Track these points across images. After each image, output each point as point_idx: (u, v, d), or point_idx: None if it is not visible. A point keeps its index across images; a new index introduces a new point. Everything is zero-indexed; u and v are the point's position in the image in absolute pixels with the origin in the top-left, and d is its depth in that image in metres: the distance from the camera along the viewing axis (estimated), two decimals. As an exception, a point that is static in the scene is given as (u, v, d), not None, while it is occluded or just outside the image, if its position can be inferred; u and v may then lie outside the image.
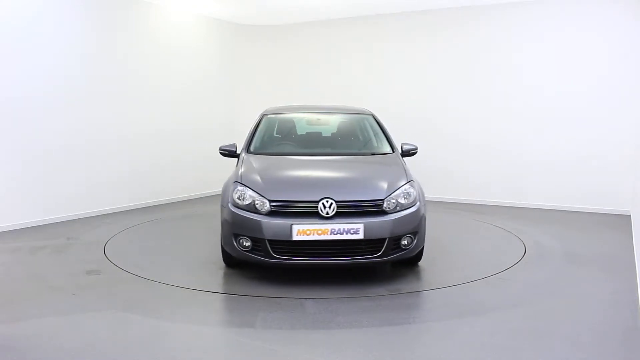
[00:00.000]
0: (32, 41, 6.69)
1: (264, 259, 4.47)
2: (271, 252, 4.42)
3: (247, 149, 5.55)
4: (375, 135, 5.84)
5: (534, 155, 8.31)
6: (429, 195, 8.97)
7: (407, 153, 5.61)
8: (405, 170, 5.03)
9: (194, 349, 3.41)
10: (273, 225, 4.39)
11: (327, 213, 4.42)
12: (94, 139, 7.52)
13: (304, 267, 4.73)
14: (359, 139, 5.95)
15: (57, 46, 6.99)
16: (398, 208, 4.58)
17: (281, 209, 4.48)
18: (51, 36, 6.92)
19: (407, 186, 4.74)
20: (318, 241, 4.36)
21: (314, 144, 5.90)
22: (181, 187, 9.01)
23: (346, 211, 4.47)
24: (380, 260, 4.53)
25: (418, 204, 4.72)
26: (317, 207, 4.43)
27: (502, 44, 8.48)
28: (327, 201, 4.44)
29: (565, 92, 8.06)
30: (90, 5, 7.40)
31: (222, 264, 5.12)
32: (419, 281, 4.87)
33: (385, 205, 4.54)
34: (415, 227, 4.64)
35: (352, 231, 4.35)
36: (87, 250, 5.71)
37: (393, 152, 5.52)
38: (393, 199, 4.59)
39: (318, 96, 9.48)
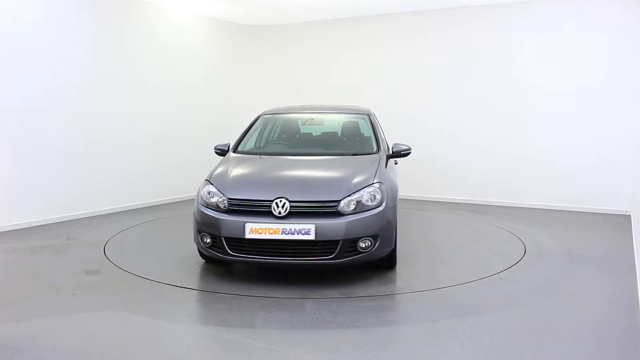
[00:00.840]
0: (32, 41, 6.69)
1: (221, 256, 4.58)
2: (227, 249, 4.50)
3: (235, 148, 5.71)
4: (364, 136, 5.78)
5: (534, 155, 8.31)
6: (429, 195, 9.04)
7: (397, 154, 5.55)
8: (377, 171, 4.89)
9: (193, 348, 3.41)
10: (228, 222, 4.47)
11: (280, 213, 4.41)
12: (94, 139, 7.52)
13: (259, 265, 4.81)
14: (346, 139, 5.92)
15: (57, 46, 6.99)
16: (358, 209, 4.49)
17: (237, 207, 4.56)
18: (51, 36, 6.92)
19: (373, 188, 4.63)
20: (270, 240, 4.36)
21: (300, 145, 5.95)
22: (181, 187, 9.00)
23: (300, 211, 4.44)
24: (334, 263, 4.43)
25: (383, 206, 4.59)
26: (270, 206, 4.46)
27: (502, 44, 8.48)
28: (280, 201, 4.46)
29: (566, 92, 8.06)
30: (90, 6, 7.40)
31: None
32: (419, 281, 4.86)
33: (341, 206, 4.46)
34: (377, 230, 4.50)
35: (303, 232, 4.31)
36: (87, 250, 5.71)
37: (377, 152, 5.42)
38: (353, 200, 4.51)
39: (318, 96, 9.48)
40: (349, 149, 5.63)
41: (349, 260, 4.47)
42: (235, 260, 4.55)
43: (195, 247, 5.86)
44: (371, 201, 4.57)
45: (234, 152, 5.66)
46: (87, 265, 5.17)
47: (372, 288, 4.57)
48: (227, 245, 4.50)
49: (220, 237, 4.51)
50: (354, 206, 4.49)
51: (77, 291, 4.44)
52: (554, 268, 5.20)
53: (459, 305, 4.16)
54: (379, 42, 9.39)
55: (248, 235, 4.37)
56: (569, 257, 5.55)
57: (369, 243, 4.49)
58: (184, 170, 8.98)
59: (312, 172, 5.05)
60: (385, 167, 5.24)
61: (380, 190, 4.66)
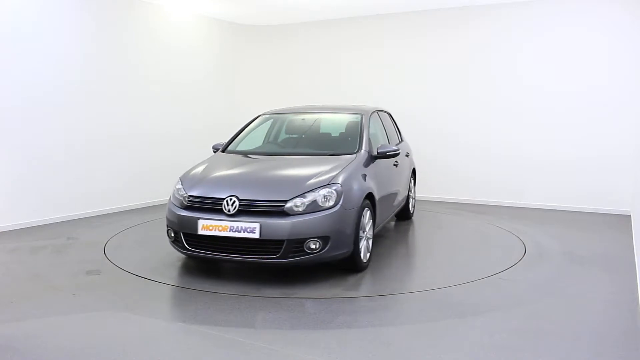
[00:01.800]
0: (32, 41, 6.69)
1: (181, 250, 4.83)
2: (185, 244, 4.73)
3: (225, 147, 5.93)
4: (350, 136, 5.74)
5: (534, 155, 8.31)
6: (429, 195, 9.03)
7: (383, 155, 5.49)
8: (343, 172, 4.83)
9: (193, 348, 3.41)
10: (185, 219, 4.70)
11: (229, 210, 4.52)
12: (94, 139, 7.52)
13: (211, 260, 5.01)
14: (332, 139, 5.92)
15: (57, 47, 6.99)
16: (310, 210, 4.46)
17: (194, 204, 4.77)
18: (51, 37, 6.92)
19: (329, 189, 4.58)
20: (219, 237, 4.51)
21: (289, 145, 6.02)
22: (181, 187, 8.99)
23: (248, 210, 4.51)
24: (279, 263, 4.45)
25: (337, 207, 4.53)
26: (222, 204, 4.57)
27: (502, 44, 8.48)
28: (230, 199, 4.56)
29: (566, 92, 8.06)
30: (90, 6, 7.40)
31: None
32: (419, 281, 4.87)
33: (288, 206, 4.46)
34: (327, 232, 4.45)
35: (248, 230, 4.40)
36: (87, 250, 5.71)
37: (355, 152, 5.34)
38: (306, 200, 4.49)
39: (318, 96, 9.50)
40: (330, 149, 5.59)
41: (295, 261, 4.48)
42: (191, 255, 4.80)
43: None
44: (326, 201, 4.54)
45: (222, 151, 5.88)
46: (87, 265, 5.17)
47: (372, 288, 4.57)
48: (184, 240, 4.73)
49: (179, 232, 4.74)
50: (304, 206, 4.47)
51: (77, 291, 4.44)
52: (554, 268, 5.20)
53: (459, 305, 4.16)
54: (379, 42, 9.39)
55: (201, 232, 4.56)
56: (569, 257, 5.55)
57: (318, 244, 4.46)
58: (183, 170, 8.90)
59: (272, 172, 5.05)
60: (366, 167, 5.20)
61: (336, 192, 4.59)
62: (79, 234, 6.47)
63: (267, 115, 6.45)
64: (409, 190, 7.21)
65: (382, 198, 5.57)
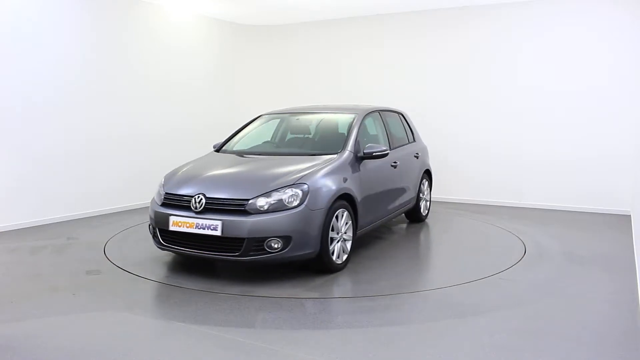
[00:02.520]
0: (31, 41, 6.69)
1: (157, 245, 5.01)
2: (160, 239, 4.91)
3: (220, 147, 6.05)
4: (338, 136, 5.72)
5: (534, 155, 8.31)
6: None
7: (369, 155, 5.41)
8: (312, 173, 4.79)
9: (194, 348, 3.41)
10: (159, 215, 4.88)
11: (196, 208, 4.63)
12: (94, 139, 7.52)
13: (182, 255, 5.12)
14: (323, 139, 5.89)
15: (56, 46, 6.99)
16: (273, 209, 4.49)
17: (168, 201, 4.93)
18: (51, 37, 6.92)
19: (295, 188, 4.59)
20: (187, 233, 4.65)
21: (278, 145, 6.10)
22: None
23: (214, 208, 4.61)
24: (240, 261, 4.54)
25: (301, 207, 4.52)
26: (190, 202, 4.72)
27: (502, 44, 8.48)
28: (198, 197, 4.68)
29: (566, 92, 8.06)
30: (90, 6, 7.40)
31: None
32: (419, 281, 4.87)
33: (250, 204, 4.51)
34: (289, 232, 4.46)
35: (212, 227, 4.51)
36: (87, 250, 5.71)
37: (338, 152, 5.28)
38: (271, 199, 4.52)
39: (318, 96, 9.49)
40: (316, 148, 5.60)
41: (256, 259, 4.53)
42: (165, 250, 4.96)
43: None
44: (293, 202, 4.56)
45: (217, 151, 6.00)
46: (87, 265, 5.18)
47: (372, 288, 4.57)
48: (160, 235, 4.90)
49: (155, 228, 4.94)
50: (269, 205, 4.51)
51: (77, 291, 4.44)
52: (554, 268, 5.20)
53: (459, 305, 4.16)
54: (379, 42, 9.39)
55: (171, 228, 4.72)
56: (569, 257, 5.55)
57: (279, 243, 4.48)
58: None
59: (244, 171, 5.12)
60: (349, 167, 5.17)
61: (302, 192, 4.59)
62: (79, 234, 6.47)
63: (268, 116, 6.51)
64: (420, 192, 7.11)
65: (369, 199, 5.46)
